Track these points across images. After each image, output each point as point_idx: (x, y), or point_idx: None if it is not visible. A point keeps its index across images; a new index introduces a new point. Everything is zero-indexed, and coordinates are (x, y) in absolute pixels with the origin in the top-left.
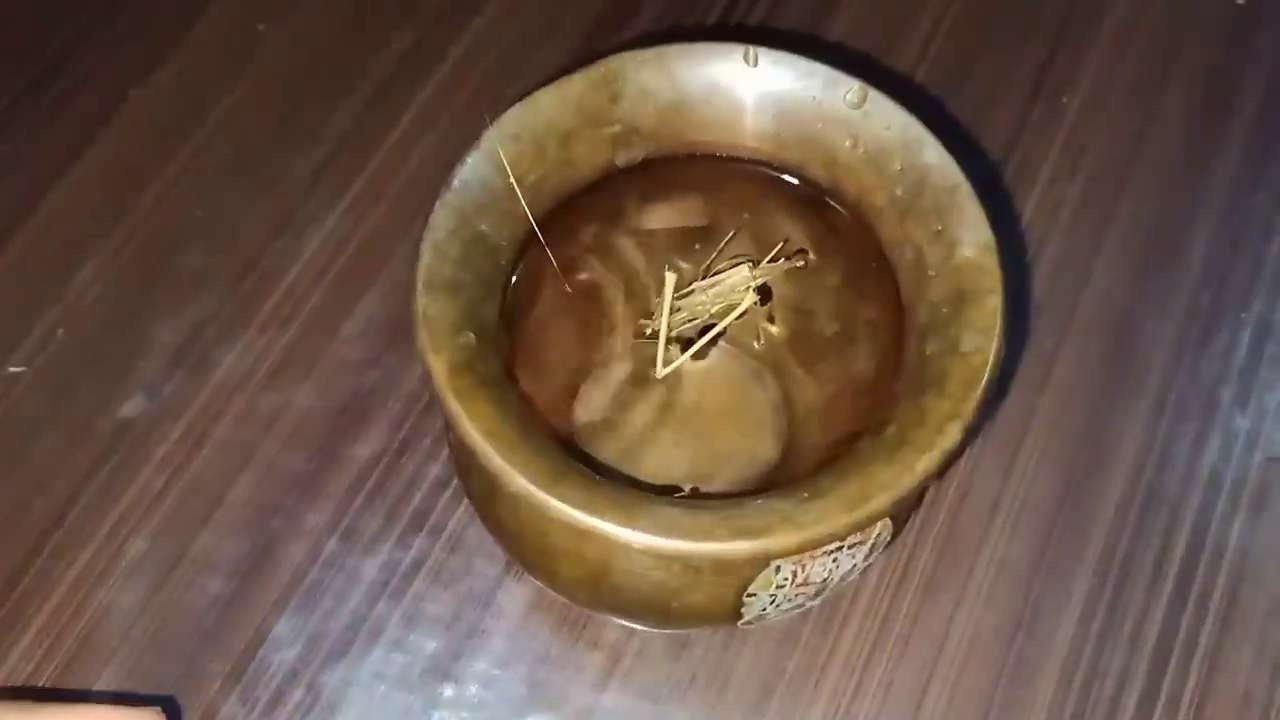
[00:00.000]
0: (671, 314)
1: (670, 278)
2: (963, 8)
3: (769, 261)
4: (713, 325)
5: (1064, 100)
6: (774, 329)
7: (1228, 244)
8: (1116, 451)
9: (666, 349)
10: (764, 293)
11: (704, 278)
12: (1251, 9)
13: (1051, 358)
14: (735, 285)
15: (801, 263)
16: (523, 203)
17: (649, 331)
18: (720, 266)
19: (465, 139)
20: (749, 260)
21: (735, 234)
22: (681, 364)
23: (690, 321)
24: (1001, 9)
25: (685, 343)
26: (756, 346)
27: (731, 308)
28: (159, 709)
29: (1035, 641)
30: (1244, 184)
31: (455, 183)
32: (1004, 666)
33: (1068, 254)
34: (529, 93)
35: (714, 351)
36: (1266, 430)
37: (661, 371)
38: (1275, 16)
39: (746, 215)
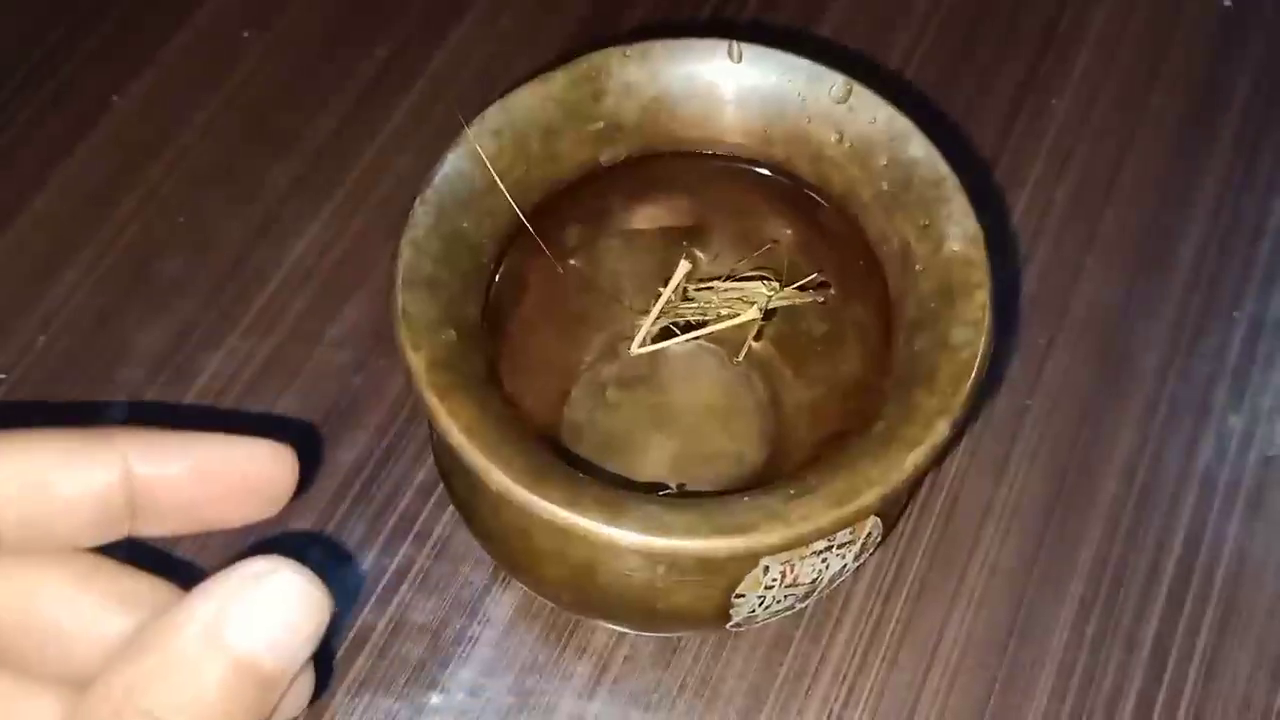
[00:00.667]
0: (683, 302)
1: (684, 265)
2: (951, 8)
3: (796, 288)
4: (705, 324)
5: (1052, 102)
6: (757, 346)
7: (1217, 244)
8: (1109, 453)
9: (650, 331)
10: (769, 313)
11: (725, 280)
12: (1238, 11)
13: (1042, 360)
14: (750, 297)
15: (823, 299)
16: (507, 196)
17: (638, 330)
18: (746, 273)
19: (448, 144)
20: (776, 280)
21: (773, 246)
22: (658, 350)
23: (698, 315)
24: (990, 11)
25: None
26: (735, 361)
27: (734, 315)
28: (290, 446)
29: (1029, 646)
30: (1233, 184)
31: (435, 179)
32: (998, 671)
33: (1057, 255)
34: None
35: (702, 352)
36: (1261, 430)
37: (635, 349)
38: (1262, 18)
39: (733, 214)
